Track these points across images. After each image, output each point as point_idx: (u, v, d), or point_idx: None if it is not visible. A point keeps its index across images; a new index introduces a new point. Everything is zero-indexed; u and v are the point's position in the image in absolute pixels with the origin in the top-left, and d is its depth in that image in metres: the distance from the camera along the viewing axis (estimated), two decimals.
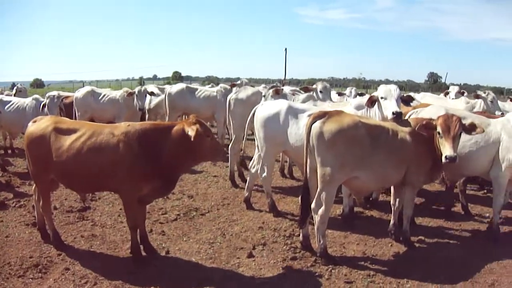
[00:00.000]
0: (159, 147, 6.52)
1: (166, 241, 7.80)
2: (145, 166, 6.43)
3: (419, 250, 7.84)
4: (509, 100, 15.22)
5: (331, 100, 11.14)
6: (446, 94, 14.63)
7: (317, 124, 6.71)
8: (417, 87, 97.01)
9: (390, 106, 7.54)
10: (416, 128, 7.06)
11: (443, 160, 6.88)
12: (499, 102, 13.19)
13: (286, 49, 62.96)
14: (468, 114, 8.66)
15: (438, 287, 6.54)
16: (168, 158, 6.52)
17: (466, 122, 7.31)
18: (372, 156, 6.83)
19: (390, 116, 7.46)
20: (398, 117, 7.42)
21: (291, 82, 57.84)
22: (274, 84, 13.12)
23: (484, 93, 12.47)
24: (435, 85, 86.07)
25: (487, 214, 9.34)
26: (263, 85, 13.07)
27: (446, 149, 6.86)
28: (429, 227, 8.97)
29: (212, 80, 65.82)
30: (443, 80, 75.04)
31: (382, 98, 7.75)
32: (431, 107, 8.99)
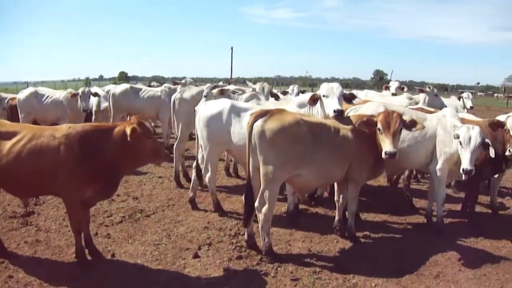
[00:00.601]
0: (101, 149, 6.38)
1: (111, 244, 7.67)
2: (87, 169, 6.28)
3: (365, 245, 7.96)
4: (453, 96, 15.61)
5: (267, 99, 11.15)
6: (387, 88, 14.85)
7: (259, 123, 6.70)
8: (363, 85, 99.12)
9: (331, 104, 7.59)
10: (356, 125, 7.14)
11: (383, 155, 7.01)
12: (442, 98, 13.60)
13: (232, 48, 63.30)
14: (406, 110, 8.82)
15: (384, 281, 6.63)
16: (110, 160, 6.39)
17: (406, 118, 7.44)
18: (314, 154, 6.87)
19: (331, 114, 7.51)
20: (339, 115, 7.49)
21: (238, 81, 57.82)
22: (216, 84, 13.07)
23: (429, 88, 12.77)
24: (381, 82, 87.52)
25: (432, 208, 9.49)
26: (208, 84, 13.03)
27: (386, 145, 6.98)
28: (374, 222, 9.11)
29: (158, 80, 65.53)
30: (388, 77, 76.39)
31: (324, 96, 7.79)
32: (370, 103, 9.10)
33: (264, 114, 6.82)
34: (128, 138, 6.23)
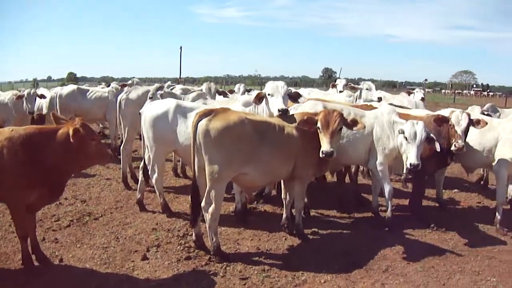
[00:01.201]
0: (45, 152, 6.25)
1: (59, 249, 7.53)
2: (32, 172, 6.15)
3: (313, 241, 8.02)
4: (404, 92, 15.89)
5: (214, 99, 11.19)
6: (333, 86, 14.90)
7: (203, 122, 6.68)
8: (312, 83, 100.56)
9: (276, 103, 7.66)
10: (297, 124, 7.19)
11: (320, 154, 7.08)
12: (391, 95, 13.89)
13: (181, 48, 62.79)
14: (344, 107, 8.94)
15: (333, 276, 6.70)
16: (55, 162, 6.27)
17: (348, 116, 7.56)
18: (260, 152, 6.90)
19: (276, 112, 7.58)
20: (283, 114, 7.56)
21: (187, 80, 57.64)
22: (161, 85, 12.95)
23: (359, 84, 13.07)
24: (330, 80, 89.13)
25: (380, 202, 9.60)
26: (156, 84, 12.95)
27: (324, 144, 7.06)
28: (322, 219, 9.21)
29: (107, 81, 64.94)
30: (337, 75, 77.37)
31: (269, 94, 7.84)
32: (309, 102, 9.15)
33: (209, 113, 6.80)
34: (71, 140, 6.15)
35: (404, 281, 6.76)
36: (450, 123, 8.53)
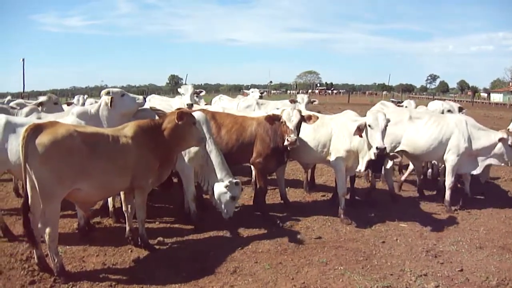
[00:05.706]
0: None
1: None
2: None
3: (160, 251, 7.94)
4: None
5: (58, 111, 10.91)
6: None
7: (31, 138, 6.32)
8: (159, 90, 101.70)
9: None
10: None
11: None
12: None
13: (23, 60, 60.39)
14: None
15: (181, 284, 6.69)
16: None
17: None
18: (92, 165, 6.63)
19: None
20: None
21: (32, 94, 55.32)
22: None
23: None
24: (176, 87, 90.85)
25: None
26: None
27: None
28: (167, 228, 9.18)
29: None
30: (184, 82, 78.11)
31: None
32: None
33: (36, 128, 6.42)
34: None
35: (253, 280, 6.87)
36: (282, 120, 8.78)
